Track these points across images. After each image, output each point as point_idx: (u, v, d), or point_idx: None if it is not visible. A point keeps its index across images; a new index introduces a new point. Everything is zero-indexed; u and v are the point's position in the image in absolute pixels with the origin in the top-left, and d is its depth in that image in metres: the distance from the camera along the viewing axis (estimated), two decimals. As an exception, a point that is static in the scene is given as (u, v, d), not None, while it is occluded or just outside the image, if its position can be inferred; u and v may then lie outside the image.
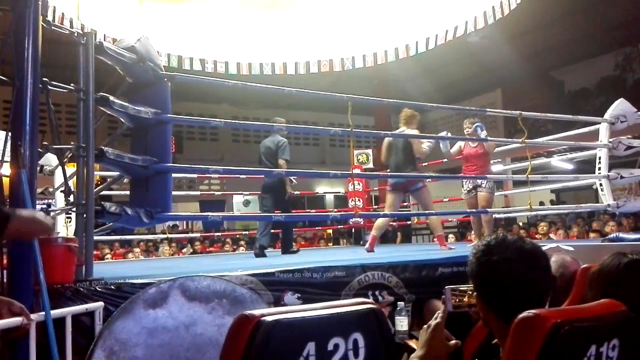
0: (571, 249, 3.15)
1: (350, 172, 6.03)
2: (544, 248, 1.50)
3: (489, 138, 6.04)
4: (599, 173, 5.64)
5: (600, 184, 5.60)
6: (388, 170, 5.90)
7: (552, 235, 8.67)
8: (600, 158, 5.69)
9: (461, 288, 1.66)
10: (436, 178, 6.49)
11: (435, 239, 6.02)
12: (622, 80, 13.05)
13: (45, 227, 1.87)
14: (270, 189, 6.00)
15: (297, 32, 8.55)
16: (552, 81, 14.40)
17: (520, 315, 1.19)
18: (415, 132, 5.69)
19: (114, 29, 7.23)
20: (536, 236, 8.70)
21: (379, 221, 5.91)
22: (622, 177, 5.61)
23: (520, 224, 11.07)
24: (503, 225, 10.69)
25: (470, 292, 1.58)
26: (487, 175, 5.77)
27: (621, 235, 4.62)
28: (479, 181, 5.77)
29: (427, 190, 5.70)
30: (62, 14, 6.51)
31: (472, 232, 7.84)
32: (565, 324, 1.15)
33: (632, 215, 8.30)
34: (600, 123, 5.81)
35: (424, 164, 6.50)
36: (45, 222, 1.85)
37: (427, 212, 5.88)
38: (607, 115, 5.75)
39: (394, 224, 10.06)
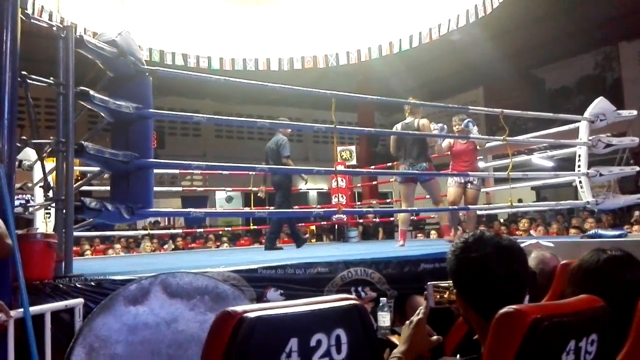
0: (551, 245, 3.19)
1: (334, 169, 6.02)
2: (524, 244, 1.52)
3: (473, 135, 6.09)
4: (579, 170, 5.71)
5: (580, 182, 5.67)
6: (403, 167, 5.73)
7: (532, 232, 8.77)
8: (580, 156, 5.76)
9: (443, 284, 1.67)
10: (421, 175, 6.48)
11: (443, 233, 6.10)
12: (601, 79, 13.24)
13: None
14: (278, 185, 6.26)
15: (280, 28, 8.52)
16: (533, 79, 14.56)
17: (501, 311, 1.20)
18: (425, 121, 5.65)
19: (94, 22, 7.14)
20: (517, 232, 8.80)
21: (402, 216, 5.89)
22: (601, 175, 5.69)
23: (502, 220, 11.18)
24: (485, 222, 10.81)
25: (452, 289, 1.59)
26: (470, 173, 5.81)
27: (600, 231, 4.70)
28: (470, 177, 5.81)
29: (436, 181, 5.76)
30: (42, 6, 6.39)
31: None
32: (545, 319, 1.17)
33: (611, 212, 8.44)
34: (580, 121, 5.89)
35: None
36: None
37: (411, 208, 5.88)
38: (586, 114, 5.82)
39: (376, 219, 10.11)
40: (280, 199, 6.22)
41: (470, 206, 5.80)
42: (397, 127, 5.76)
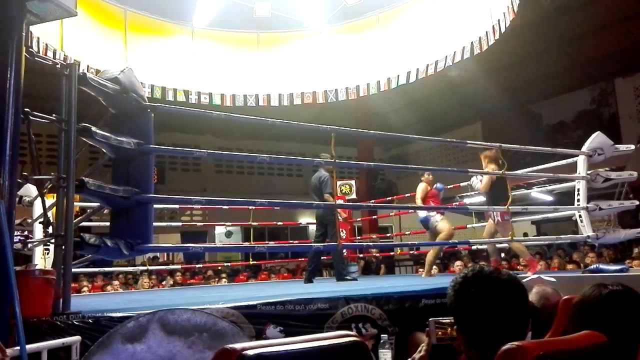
0: (553, 280, 3.16)
1: (334, 203, 6.03)
2: (526, 279, 1.51)
3: (474, 170, 6.16)
4: (578, 205, 5.71)
5: (580, 216, 5.66)
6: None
7: (533, 267, 8.70)
8: (579, 190, 5.77)
9: (445, 320, 1.65)
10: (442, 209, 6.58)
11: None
12: (598, 114, 13.36)
13: None
14: (321, 219, 6.54)
15: (280, 65, 8.68)
16: (530, 115, 14.69)
17: (503, 347, 1.18)
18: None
19: (97, 59, 7.25)
20: (518, 267, 8.73)
21: (520, 244, 5.95)
22: (600, 209, 5.68)
23: (502, 255, 11.10)
24: (485, 256, 10.72)
25: (454, 325, 1.58)
26: (469, 207, 5.84)
27: (601, 266, 4.67)
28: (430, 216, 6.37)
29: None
30: (46, 44, 6.51)
31: (455, 263, 7.89)
32: (547, 355, 1.15)
33: (612, 246, 8.39)
34: (578, 156, 5.92)
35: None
36: None
37: (422, 242, 5.88)
38: (584, 148, 5.86)
39: (378, 255, 10.06)
40: (330, 232, 6.38)
41: (471, 240, 5.81)
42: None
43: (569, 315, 1.84)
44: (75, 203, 3.16)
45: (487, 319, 1.37)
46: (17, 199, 2.71)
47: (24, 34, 2.64)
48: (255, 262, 9.35)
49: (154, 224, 3.65)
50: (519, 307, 1.40)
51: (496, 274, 1.43)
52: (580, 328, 1.46)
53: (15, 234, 3.43)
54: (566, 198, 7.04)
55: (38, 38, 6.33)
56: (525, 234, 12.56)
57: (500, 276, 1.42)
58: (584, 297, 1.75)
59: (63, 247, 2.83)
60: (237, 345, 1.10)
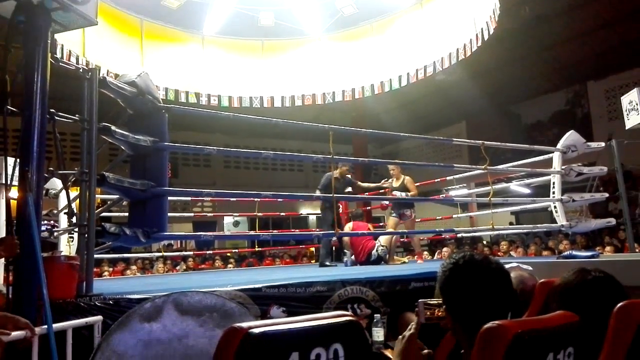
0: (530, 268, 3.15)
1: (332, 195, 6.02)
2: (507, 267, 1.51)
3: (456, 165, 6.16)
4: (554, 197, 5.71)
5: (555, 207, 5.67)
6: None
7: (512, 253, 8.72)
8: (554, 183, 5.77)
9: (432, 302, 1.65)
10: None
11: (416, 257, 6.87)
12: (572, 114, 13.33)
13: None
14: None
15: (283, 69, 8.66)
16: (510, 115, 14.66)
17: (485, 326, 1.19)
18: (409, 178, 6.45)
19: (116, 65, 7.23)
20: (498, 254, 8.75)
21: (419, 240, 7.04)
22: (574, 201, 5.69)
23: (485, 242, 11.13)
24: (469, 243, 10.77)
25: (441, 306, 1.58)
26: (454, 198, 5.84)
27: (574, 252, 4.67)
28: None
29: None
30: (69, 51, 6.49)
31: (442, 250, 7.90)
32: (525, 333, 1.16)
33: (584, 234, 8.41)
34: (553, 152, 5.92)
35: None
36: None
37: (411, 231, 5.90)
38: (559, 145, 5.85)
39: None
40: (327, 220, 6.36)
41: (456, 229, 5.81)
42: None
43: (546, 297, 1.83)
44: (96, 195, 3.16)
45: (475, 302, 1.38)
46: (43, 191, 2.71)
47: (49, 41, 2.63)
48: (260, 249, 9.36)
49: (168, 214, 3.65)
50: (505, 292, 1.41)
51: (486, 262, 1.43)
52: (560, 309, 1.45)
53: (43, 223, 3.44)
54: (543, 191, 7.04)
55: (62, 45, 6.31)
56: (511, 223, 12.63)
57: (489, 264, 1.43)
58: (567, 282, 1.68)
59: (86, 235, 2.83)
60: (244, 324, 1.11)
